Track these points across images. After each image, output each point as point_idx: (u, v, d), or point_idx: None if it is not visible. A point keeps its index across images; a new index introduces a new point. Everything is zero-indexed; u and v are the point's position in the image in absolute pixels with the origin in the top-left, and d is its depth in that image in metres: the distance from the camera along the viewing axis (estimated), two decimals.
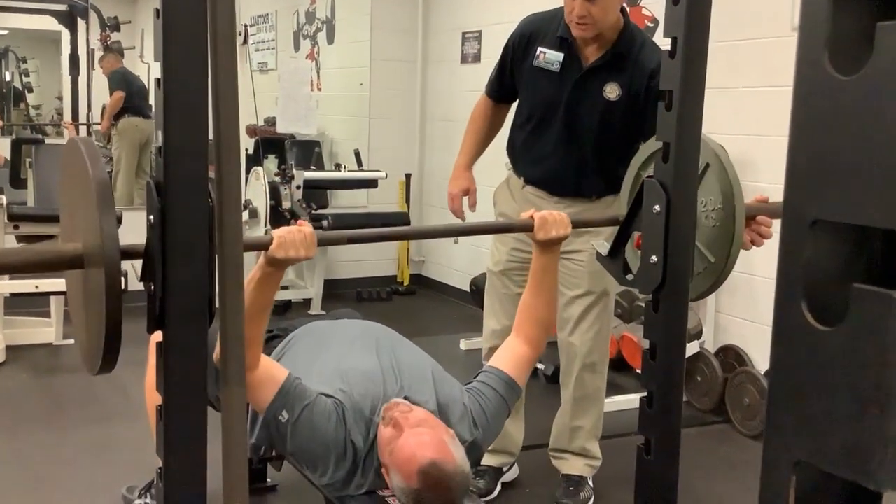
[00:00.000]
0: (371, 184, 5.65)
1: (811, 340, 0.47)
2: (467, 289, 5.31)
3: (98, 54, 6.01)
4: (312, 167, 5.65)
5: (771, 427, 0.49)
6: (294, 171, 4.89)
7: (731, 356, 3.81)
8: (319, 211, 5.05)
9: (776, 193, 4.00)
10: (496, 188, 2.99)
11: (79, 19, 6.00)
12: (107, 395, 3.73)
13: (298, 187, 4.87)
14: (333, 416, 1.94)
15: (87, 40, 5.95)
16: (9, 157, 5.37)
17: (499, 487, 2.95)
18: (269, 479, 2.87)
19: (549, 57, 2.68)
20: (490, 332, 2.93)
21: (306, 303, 5.46)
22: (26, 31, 6.52)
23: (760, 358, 3.72)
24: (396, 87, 6.12)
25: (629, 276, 1.86)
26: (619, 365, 4.12)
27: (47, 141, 5.63)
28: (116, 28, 6.07)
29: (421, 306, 5.90)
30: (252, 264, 1.81)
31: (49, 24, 6.04)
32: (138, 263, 1.26)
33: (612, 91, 2.64)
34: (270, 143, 5.63)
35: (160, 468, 1.24)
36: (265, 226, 4.60)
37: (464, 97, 5.09)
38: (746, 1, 3.71)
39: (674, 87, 1.66)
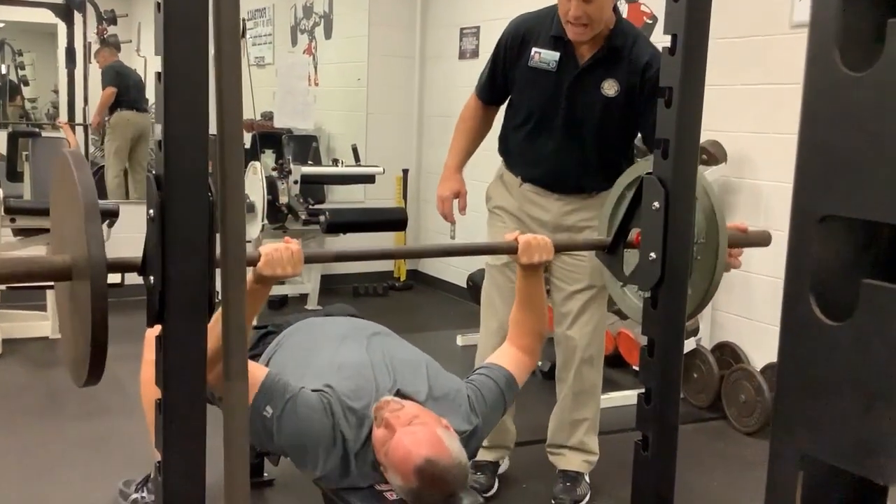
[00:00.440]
0: (368, 179, 5.64)
1: (819, 335, 0.47)
2: (464, 284, 5.31)
3: (95, 48, 6.00)
4: (310, 162, 5.64)
5: (778, 421, 0.49)
6: (291, 166, 4.88)
7: (728, 353, 3.82)
8: (317, 206, 5.04)
9: (773, 190, 4.00)
10: (489, 184, 2.97)
11: (75, 13, 5.97)
12: (103, 389, 3.69)
13: (296, 182, 4.85)
14: (319, 406, 1.94)
15: (84, 34, 5.93)
16: (4, 151, 5.36)
17: (497, 482, 2.95)
18: (266, 474, 2.87)
19: (545, 56, 2.66)
20: (489, 330, 2.91)
21: (303, 297, 5.46)
22: (22, 24, 6.50)
23: (757, 355, 3.73)
24: (394, 82, 6.12)
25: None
26: (615, 361, 4.13)
27: (44, 134, 5.61)
28: (113, 21, 6.06)
29: (417, 302, 5.90)
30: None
31: (46, 17, 6.01)
32: None
33: (610, 87, 2.64)
34: (268, 138, 5.61)
35: (158, 462, 1.24)
36: (262, 220, 4.60)
37: (461, 93, 5.06)
38: None
39: (673, 84, 1.66)
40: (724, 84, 3.70)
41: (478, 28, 5.56)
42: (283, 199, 4.79)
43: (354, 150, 5.72)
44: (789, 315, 0.49)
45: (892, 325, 0.43)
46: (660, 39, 1.67)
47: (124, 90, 6.07)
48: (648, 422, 1.75)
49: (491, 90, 2.85)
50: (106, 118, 6.09)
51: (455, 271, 5.84)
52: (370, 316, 2.62)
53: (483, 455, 2.87)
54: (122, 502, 2.74)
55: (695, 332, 3.81)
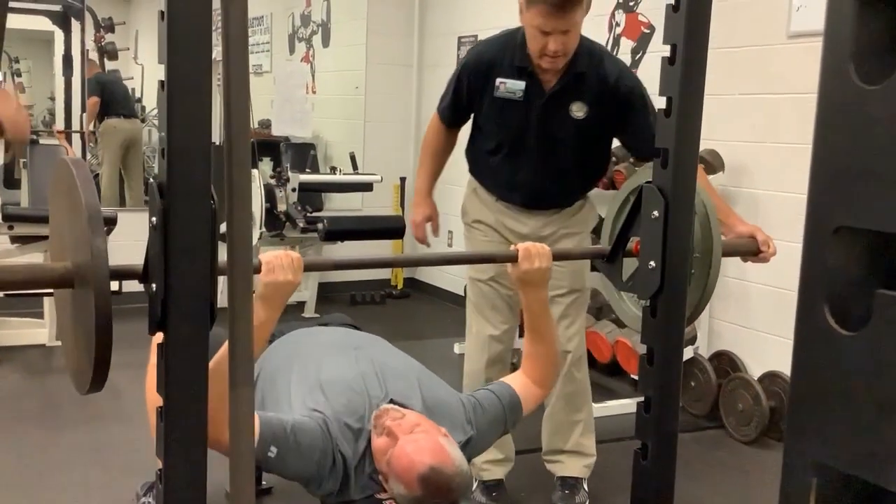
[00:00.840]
0: (366, 187, 5.65)
1: (833, 344, 0.48)
2: (461, 292, 5.31)
3: (92, 55, 6.01)
4: (308, 170, 5.65)
5: (792, 429, 0.50)
6: (289, 174, 4.89)
7: (725, 362, 3.83)
8: (314, 214, 5.04)
9: (770, 199, 4.01)
10: (464, 200, 2.95)
11: (73, 20, 5.98)
12: (100, 396, 3.67)
13: (294, 190, 4.86)
14: (318, 432, 1.92)
15: (82, 41, 5.93)
16: (2, 158, 5.35)
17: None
18: (264, 482, 2.87)
19: (510, 86, 2.63)
20: (487, 339, 2.88)
21: (300, 305, 5.46)
22: (19, 32, 6.49)
23: (754, 364, 3.74)
24: (392, 90, 6.13)
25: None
26: (613, 369, 4.14)
27: (41, 141, 5.60)
28: (111, 29, 6.07)
29: (414, 310, 5.90)
30: None
31: (43, 24, 6.01)
32: None
33: (578, 110, 2.63)
34: (265, 146, 5.62)
35: (160, 470, 1.24)
36: (260, 228, 4.60)
37: None
38: (743, 8, 3.72)
39: (673, 94, 1.66)
40: (722, 93, 3.72)
41: (476, 37, 5.57)
42: (281, 207, 4.79)
43: (352, 158, 5.73)
44: (804, 325, 0.50)
45: None
46: (658, 49, 1.68)
47: (108, 98, 6.09)
48: (648, 430, 1.75)
49: (453, 115, 2.83)
50: (97, 127, 6.12)
51: (452, 279, 5.84)
52: (367, 324, 2.62)
53: (494, 473, 2.90)
54: None
55: (692, 340, 3.82)
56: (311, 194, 5.40)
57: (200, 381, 1.22)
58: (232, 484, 0.81)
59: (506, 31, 2.74)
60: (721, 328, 3.93)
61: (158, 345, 1.22)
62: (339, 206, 5.97)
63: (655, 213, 1.71)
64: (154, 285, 1.20)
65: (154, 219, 1.19)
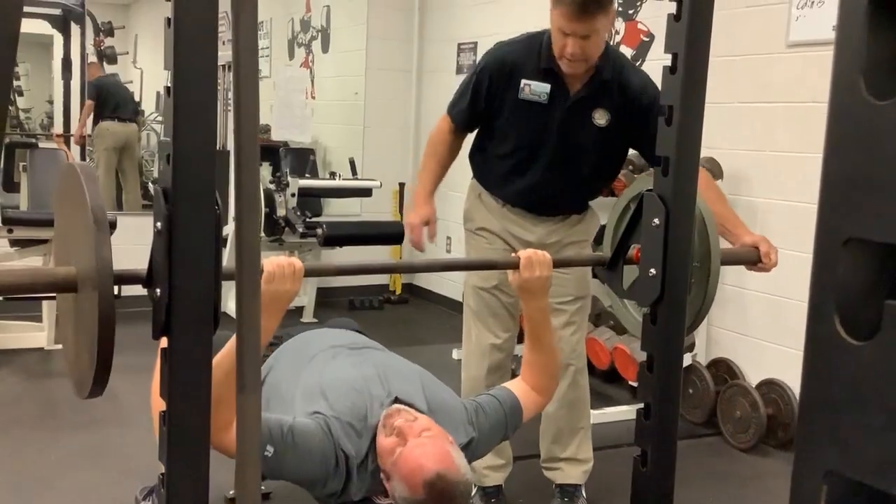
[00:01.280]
0: (365, 193, 5.66)
1: (844, 354, 0.48)
2: (459, 298, 5.31)
3: (91, 59, 6.02)
4: (307, 175, 5.66)
5: (802, 437, 0.50)
6: (289, 179, 4.90)
7: (723, 369, 3.83)
8: (313, 219, 5.05)
9: (769, 207, 4.01)
10: (467, 206, 2.91)
11: (73, 24, 5.99)
12: (98, 400, 3.68)
13: (293, 195, 4.87)
14: (319, 433, 1.92)
15: (82, 45, 5.94)
16: (1, 161, 5.36)
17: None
18: (262, 487, 2.87)
19: (536, 89, 2.61)
20: (489, 347, 2.86)
21: (298, 310, 5.46)
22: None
23: (752, 371, 3.74)
24: (391, 96, 6.14)
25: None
26: (611, 376, 4.14)
27: (40, 145, 5.62)
28: (110, 33, 6.08)
29: (413, 315, 5.90)
30: None
31: (42, 28, 6.02)
32: None
33: (601, 117, 2.62)
34: (265, 151, 5.62)
35: (162, 474, 1.24)
36: (259, 233, 4.60)
37: None
38: (742, 17, 3.74)
39: (674, 103, 1.68)
40: (721, 101, 3.73)
41: (475, 43, 5.59)
42: (281, 212, 4.80)
43: (351, 163, 5.74)
44: (814, 334, 0.51)
45: None
46: (657, 57, 1.69)
47: (103, 102, 6.10)
48: (647, 437, 1.76)
49: (469, 118, 2.77)
50: (90, 131, 6.14)
51: (451, 285, 5.85)
52: (366, 329, 2.62)
53: (494, 479, 2.90)
54: None
55: (690, 347, 3.83)
56: (311, 199, 5.41)
57: (204, 385, 1.22)
58: (238, 489, 0.81)
59: (528, 33, 2.71)
60: (719, 335, 3.94)
61: (162, 349, 1.22)
62: (338, 211, 5.98)
63: (656, 220, 1.72)
64: (158, 290, 1.21)
65: (159, 224, 1.20)
